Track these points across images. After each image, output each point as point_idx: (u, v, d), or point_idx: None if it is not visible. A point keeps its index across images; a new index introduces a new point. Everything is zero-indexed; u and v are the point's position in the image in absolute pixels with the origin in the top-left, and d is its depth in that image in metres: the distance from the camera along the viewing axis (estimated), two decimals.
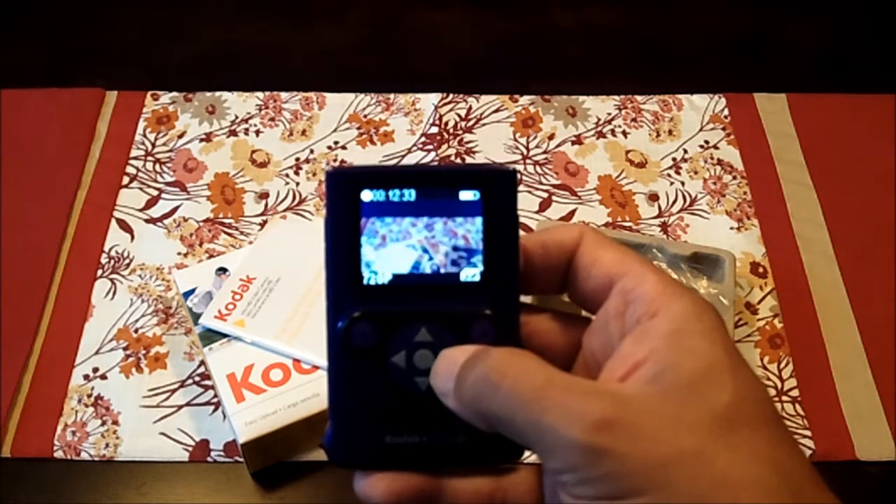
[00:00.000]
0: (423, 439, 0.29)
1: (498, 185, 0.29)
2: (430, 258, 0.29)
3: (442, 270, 0.29)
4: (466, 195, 0.29)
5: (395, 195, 0.29)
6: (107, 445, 0.56)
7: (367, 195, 0.29)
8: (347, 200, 0.29)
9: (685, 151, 0.73)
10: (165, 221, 0.68)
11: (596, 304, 0.29)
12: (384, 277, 0.29)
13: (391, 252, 0.29)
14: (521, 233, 0.29)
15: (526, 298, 0.30)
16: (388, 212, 0.29)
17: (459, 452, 0.29)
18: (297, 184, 0.70)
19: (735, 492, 0.23)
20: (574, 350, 0.30)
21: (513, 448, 0.28)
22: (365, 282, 0.29)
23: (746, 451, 0.24)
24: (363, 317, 0.29)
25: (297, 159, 0.72)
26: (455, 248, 0.29)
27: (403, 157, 0.72)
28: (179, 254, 0.66)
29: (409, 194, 0.29)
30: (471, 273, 0.29)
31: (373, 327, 0.29)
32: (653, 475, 0.24)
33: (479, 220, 0.29)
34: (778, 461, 0.24)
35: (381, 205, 0.29)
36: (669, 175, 0.72)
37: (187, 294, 0.58)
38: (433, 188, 0.29)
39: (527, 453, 0.28)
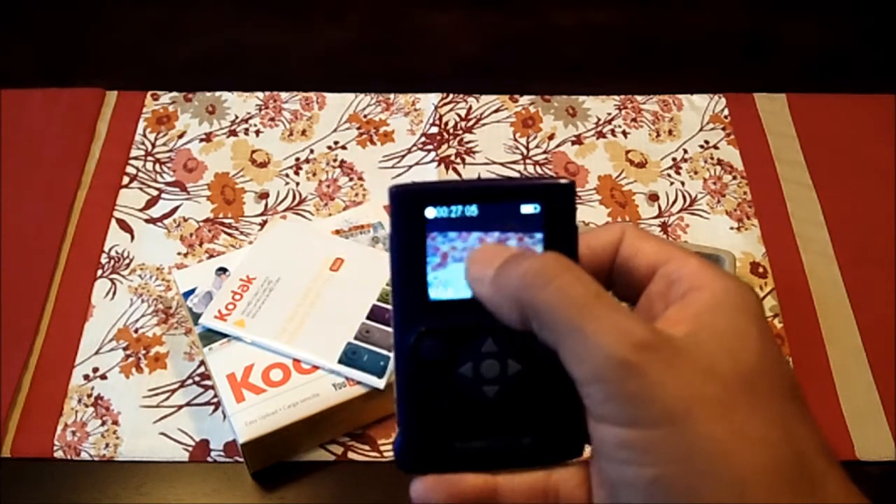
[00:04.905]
0: (489, 443, 0.30)
1: (558, 198, 0.30)
2: None
3: None
4: (528, 209, 0.29)
5: (457, 211, 0.29)
6: (107, 445, 0.56)
7: (430, 212, 0.29)
8: (412, 217, 0.29)
9: (685, 151, 0.73)
10: (165, 221, 0.68)
11: (640, 294, 0.30)
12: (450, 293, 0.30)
13: (456, 268, 0.29)
14: None
15: None
16: (452, 227, 0.29)
17: (523, 453, 0.30)
18: (297, 184, 0.70)
19: (748, 445, 0.24)
20: None
21: (573, 446, 0.30)
22: (431, 297, 0.30)
23: (762, 414, 0.25)
24: (430, 332, 0.29)
25: (297, 159, 0.72)
26: None
27: (403, 156, 0.72)
28: (179, 254, 0.66)
29: (472, 210, 0.29)
30: None
31: (440, 341, 0.30)
32: (676, 409, 0.24)
33: (539, 233, 0.30)
34: (790, 430, 0.25)
35: (444, 221, 0.29)
36: (669, 175, 0.72)
37: (187, 294, 0.58)
38: (495, 203, 0.30)
39: (586, 451, 0.29)
